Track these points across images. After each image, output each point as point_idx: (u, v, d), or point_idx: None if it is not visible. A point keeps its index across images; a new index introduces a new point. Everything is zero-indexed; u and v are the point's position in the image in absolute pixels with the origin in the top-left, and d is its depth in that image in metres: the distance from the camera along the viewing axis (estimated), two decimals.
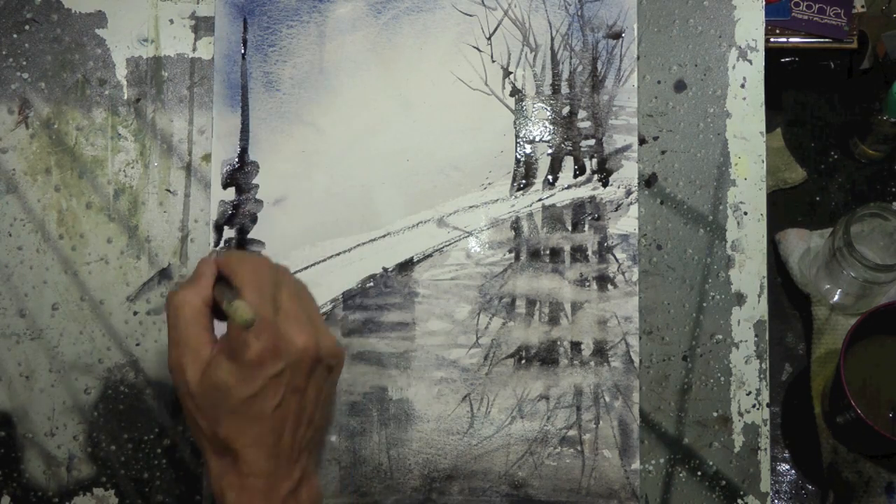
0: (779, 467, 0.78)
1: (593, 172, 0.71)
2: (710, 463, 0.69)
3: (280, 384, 0.56)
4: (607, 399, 0.69)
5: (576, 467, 0.69)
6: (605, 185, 0.71)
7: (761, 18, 0.72)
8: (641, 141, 0.72)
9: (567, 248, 0.71)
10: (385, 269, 0.71)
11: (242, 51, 0.72)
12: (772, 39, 0.81)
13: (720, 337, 0.70)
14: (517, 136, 0.72)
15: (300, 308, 0.58)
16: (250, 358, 0.55)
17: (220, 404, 0.56)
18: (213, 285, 0.59)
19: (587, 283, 0.70)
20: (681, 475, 0.69)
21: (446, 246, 0.71)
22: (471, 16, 0.72)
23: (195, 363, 0.57)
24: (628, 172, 0.71)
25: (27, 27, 0.73)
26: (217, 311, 0.59)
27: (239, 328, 0.55)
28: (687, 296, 0.70)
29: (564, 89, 0.72)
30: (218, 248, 0.69)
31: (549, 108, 0.72)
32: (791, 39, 0.81)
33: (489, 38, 0.72)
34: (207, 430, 0.57)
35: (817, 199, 0.84)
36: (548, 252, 0.71)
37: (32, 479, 0.70)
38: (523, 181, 0.71)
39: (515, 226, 0.71)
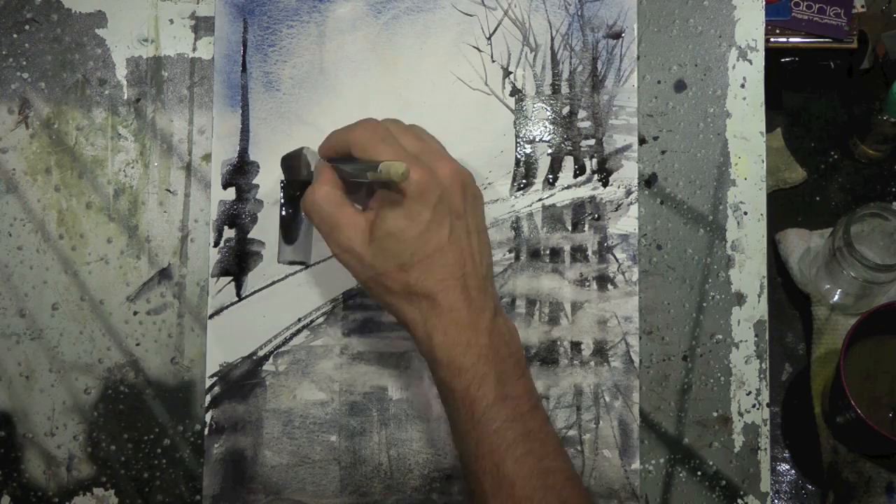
0: (779, 467, 0.78)
1: (593, 172, 0.71)
2: (710, 463, 0.69)
3: (444, 211, 0.58)
4: (607, 399, 0.69)
5: (576, 467, 0.69)
6: (605, 185, 0.71)
7: (761, 18, 0.72)
8: (641, 141, 0.72)
9: (567, 248, 0.71)
10: None
11: (242, 51, 0.72)
12: (772, 39, 0.81)
13: (720, 337, 0.70)
14: (517, 136, 0.72)
15: (428, 145, 0.61)
16: (411, 192, 0.57)
17: (400, 253, 0.58)
18: (335, 174, 0.61)
19: (587, 283, 0.70)
20: (681, 475, 0.69)
21: None
22: (471, 16, 0.72)
23: (359, 233, 0.59)
24: (628, 172, 0.71)
25: (27, 27, 0.73)
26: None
27: (396, 185, 0.56)
28: (687, 296, 0.70)
29: (564, 89, 0.72)
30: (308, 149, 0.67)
31: (549, 108, 0.72)
32: (791, 39, 0.81)
33: (489, 38, 0.72)
34: (396, 285, 0.58)
35: (817, 199, 0.84)
36: (548, 252, 0.71)
37: (32, 479, 0.70)
38: (523, 181, 0.71)
39: (515, 226, 0.71)
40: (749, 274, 0.70)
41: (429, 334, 0.58)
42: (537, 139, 0.72)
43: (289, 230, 0.69)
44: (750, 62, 0.72)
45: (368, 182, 0.60)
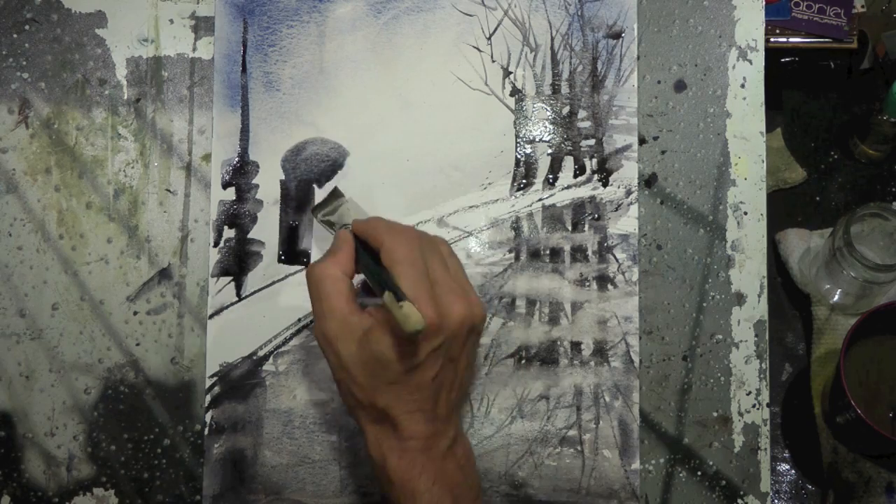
0: (779, 467, 0.78)
1: (593, 172, 0.71)
2: (710, 463, 0.69)
3: (439, 356, 0.57)
4: (607, 399, 0.69)
5: (576, 467, 0.69)
6: (605, 185, 0.71)
7: (761, 18, 0.72)
8: (641, 141, 0.72)
9: (567, 248, 0.71)
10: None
11: (242, 51, 0.72)
12: (772, 39, 0.81)
13: (720, 337, 0.70)
14: (517, 136, 0.72)
15: (451, 276, 0.58)
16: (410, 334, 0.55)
17: (379, 375, 0.56)
18: (354, 256, 0.59)
19: (587, 283, 0.70)
20: (681, 475, 0.69)
21: None
22: (471, 16, 0.72)
23: (347, 335, 0.57)
24: (628, 172, 0.71)
25: (27, 27, 0.73)
26: (364, 284, 0.60)
27: (407, 333, 0.54)
28: (687, 296, 0.70)
29: (564, 89, 0.72)
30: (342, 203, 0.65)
31: (549, 108, 0.72)
32: (791, 39, 0.81)
33: (489, 38, 0.72)
34: (364, 399, 0.57)
35: (817, 199, 0.84)
36: (548, 252, 0.71)
37: (32, 479, 0.70)
38: (523, 181, 0.71)
39: (515, 226, 0.71)
40: (749, 274, 0.70)
41: (383, 455, 0.58)
42: (537, 139, 0.72)
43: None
44: (750, 62, 0.72)
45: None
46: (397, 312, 0.53)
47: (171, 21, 0.73)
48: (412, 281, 0.56)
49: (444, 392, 0.58)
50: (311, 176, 0.71)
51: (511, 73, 0.72)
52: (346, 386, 0.58)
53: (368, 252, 0.59)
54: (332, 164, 0.71)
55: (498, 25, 0.72)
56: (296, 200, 0.71)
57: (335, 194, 0.67)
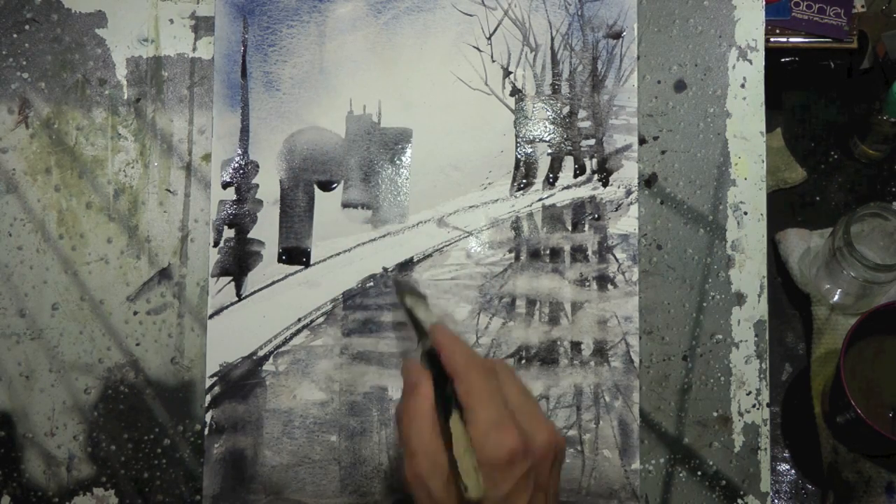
0: (779, 467, 0.78)
1: (593, 172, 0.71)
2: (710, 463, 0.69)
3: (528, 483, 0.55)
4: (607, 399, 0.69)
5: (576, 467, 0.69)
6: (605, 184, 0.71)
7: (761, 18, 0.72)
8: (641, 141, 0.72)
9: (567, 248, 0.71)
10: (385, 269, 0.71)
11: (242, 51, 0.72)
12: (772, 39, 0.81)
13: (720, 337, 0.70)
14: (517, 136, 0.72)
15: (532, 403, 0.58)
16: (500, 458, 0.54)
17: None
18: (431, 386, 0.58)
19: (587, 283, 0.70)
20: (681, 475, 0.69)
21: (446, 246, 0.71)
22: (471, 16, 0.72)
23: (437, 472, 0.55)
24: (628, 172, 0.71)
25: (27, 27, 0.73)
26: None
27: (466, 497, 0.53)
28: (687, 296, 0.70)
29: (564, 89, 0.72)
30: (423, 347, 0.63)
31: (549, 108, 0.72)
32: (791, 39, 0.81)
33: (489, 38, 0.72)
34: None
35: (817, 199, 0.84)
36: (548, 252, 0.71)
37: (32, 479, 0.70)
38: (523, 181, 0.71)
39: (515, 226, 0.71)
40: (749, 274, 0.70)
41: None
42: (537, 139, 0.72)
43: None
44: (750, 62, 0.72)
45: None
46: (466, 466, 0.53)
47: (171, 21, 0.73)
48: (495, 410, 0.55)
49: None
50: (307, 167, 0.71)
51: (511, 73, 0.72)
52: None
53: (440, 374, 0.58)
54: (332, 161, 0.72)
55: (498, 25, 0.72)
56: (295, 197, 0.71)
57: (419, 293, 0.67)
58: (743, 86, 0.71)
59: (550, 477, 0.57)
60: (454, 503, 0.55)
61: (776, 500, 0.77)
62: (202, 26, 0.73)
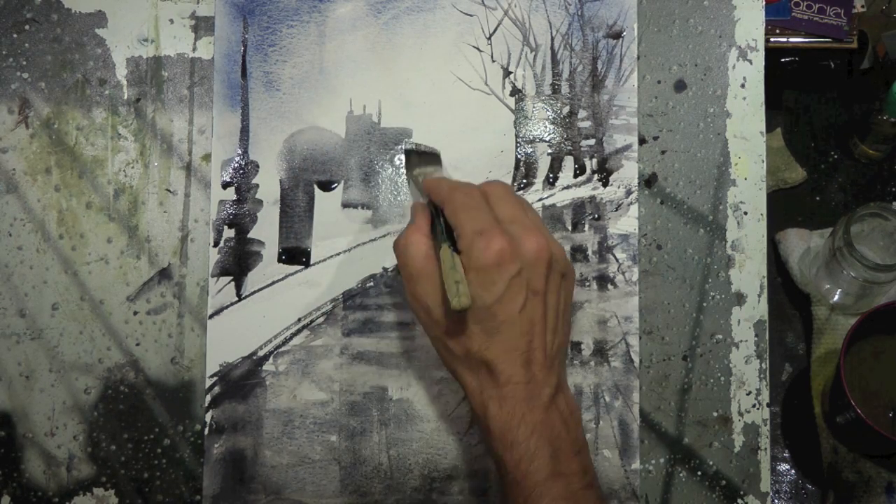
0: (779, 467, 0.78)
1: (593, 172, 0.71)
2: (710, 463, 0.69)
3: (521, 285, 0.57)
4: (607, 399, 0.69)
5: None
6: (605, 184, 0.71)
7: (761, 18, 0.72)
8: (641, 141, 0.72)
9: (567, 248, 0.71)
10: (385, 269, 0.71)
11: (242, 51, 0.72)
12: (772, 39, 0.81)
13: (720, 337, 0.70)
14: (517, 136, 0.72)
15: (526, 216, 0.60)
16: (488, 260, 0.56)
17: (468, 318, 0.57)
18: (430, 221, 0.61)
19: (587, 283, 0.70)
20: (681, 475, 0.69)
21: None
22: (471, 16, 0.72)
23: (434, 290, 0.58)
24: (628, 172, 0.71)
25: (27, 27, 0.73)
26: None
27: (453, 308, 0.55)
28: (687, 296, 0.70)
29: (564, 89, 0.72)
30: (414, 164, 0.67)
31: (549, 108, 0.72)
32: (791, 39, 0.81)
33: (489, 38, 0.72)
34: (459, 349, 0.58)
35: (817, 199, 0.84)
36: None
37: (32, 479, 0.70)
38: (523, 181, 0.71)
39: None
40: (749, 274, 0.70)
41: (484, 404, 0.58)
42: (537, 139, 0.72)
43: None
44: (750, 62, 0.72)
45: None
46: (449, 282, 0.55)
47: (171, 21, 0.73)
48: (477, 220, 0.58)
49: (538, 332, 0.58)
50: (307, 166, 0.71)
51: (511, 72, 0.72)
52: (441, 342, 0.59)
53: (440, 217, 0.61)
54: (331, 160, 0.71)
55: (498, 25, 0.72)
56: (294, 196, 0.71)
57: (436, 158, 0.68)
58: (743, 86, 0.71)
59: (548, 285, 0.59)
60: (454, 317, 0.58)
61: (776, 500, 0.77)
62: (202, 26, 0.73)
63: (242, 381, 0.70)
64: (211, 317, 0.71)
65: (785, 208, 0.83)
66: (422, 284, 0.59)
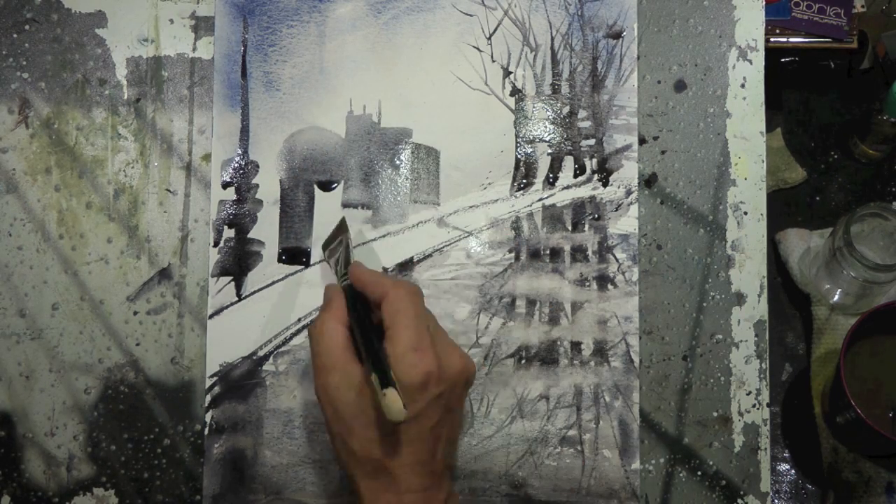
0: (779, 467, 0.78)
1: (593, 172, 0.71)
2: (710, 463, 0.69)
3: (439, 405, 0.57)
4: (607, 399, 0.69)
5: (576, 467, 0.69)
6: (605, 184, 0.71)
7: (761, 18, 0.72)
8: (641, 141, 0.72)
9: (567, 248, 0.71)
10: (385, 270, 0.71)
11: (242, 51, 0.72)
12: (772, 39, 0.81)
13: (720, 337, 0.70)
14: (517, 136, 0.72)
15: (442, 331, 0.59)
16: (414, 380, 0.55)
17: (378, 427, 0.56)
18: (345, 306, 0.59)
19: (587, 283, 0.70)
20: (681, 475, 0.69)
21: (446, 246, 0.71)
22: (471, 16, 0.72)
23: (347, 387, 0.56)
24: (628, 172, 0.71)
25: (27, 27, 0.73)
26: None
27: (389, 420, 0.54)
28: (687, 296, 0.70)
29: (564, 89, 0.72)
30: (342, 267, 0.65)
31: (549, 108, 0.72)
32: (791, 39, 0.81)
33: (489, 38, 0.72)
34: (360, 451, 0.56)
35: (817, 199, 0.84)
36: (548, 252, 0.71)
37: (32, 479, 0.70)
38: (523, 181, 0.71)
39: (515, 226, 0.71)
40: (749, 274, 0.70)
41: None
42: (537, 139, 0.72)
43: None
44: (750, 62, 0.72)
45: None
46: (381, 399, 0.53)
47: (171, 21, 0.73)
48: (415, 332, 0.56)
49: (442, 444, 0.58)
50: (307, 167, 0.71)
51: (511, 73, 0.72)
52: (341, 440, 0.57)
53: (360, 306, 0.59)
54: (330, 159, 0.71)
55: (498, 25, 0.72)
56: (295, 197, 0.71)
57: (341, 228, 0.67)
58: (743, 86, 0.71)
59: (460, 402, 0.59)
60: (362, 420, 0.56)
61: (776, 500, 0.77)
62: (202, 26, 0.73)
63: (242, 381, 0.70)
64: (211, 317, 0.71)
65: (785, 208, 0.83)
66: (334, 378, 0.57)
